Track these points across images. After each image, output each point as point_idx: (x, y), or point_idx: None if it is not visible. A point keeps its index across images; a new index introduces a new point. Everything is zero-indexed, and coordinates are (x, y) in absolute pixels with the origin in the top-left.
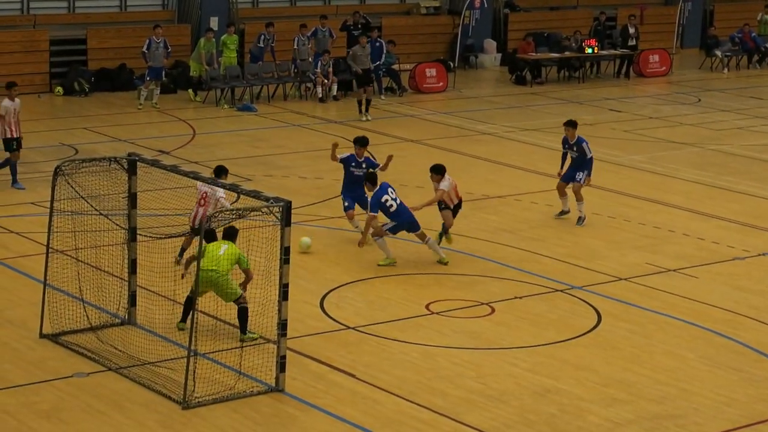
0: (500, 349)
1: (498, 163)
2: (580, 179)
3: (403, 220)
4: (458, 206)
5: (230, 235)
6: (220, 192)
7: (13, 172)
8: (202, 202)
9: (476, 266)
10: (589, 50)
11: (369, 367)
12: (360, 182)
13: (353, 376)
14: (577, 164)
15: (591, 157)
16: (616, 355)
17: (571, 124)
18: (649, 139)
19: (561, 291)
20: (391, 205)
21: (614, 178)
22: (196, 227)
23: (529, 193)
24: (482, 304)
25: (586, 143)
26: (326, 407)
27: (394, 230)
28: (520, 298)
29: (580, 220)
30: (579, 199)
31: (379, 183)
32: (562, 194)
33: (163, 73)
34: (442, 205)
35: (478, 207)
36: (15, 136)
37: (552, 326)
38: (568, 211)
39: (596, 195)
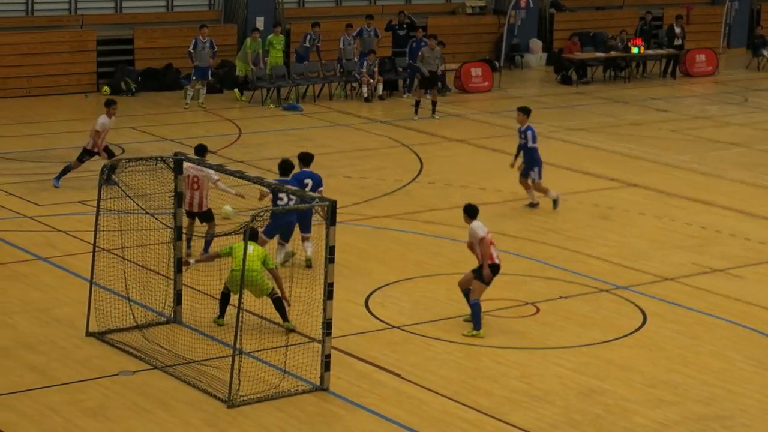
0: (545, 349)
1: (543, 162)
2: (535, 178)
3: (282, 222)
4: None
5: (252, 236)
6: (213, 174)
7: (63, 172)
8: (195, 186)
9: (521, 266)
10: (635, 50)
11: (414, 367)
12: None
13: (398, 375)
14: (526, 154)
15: (534, 148)
16: (661, 356)
17: (524, 111)
18: (696, 139)
19: (606, 291)
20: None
21: (660, 178)
22: (194, 211)
23: (574, 192)
24: (527, 303)
25: (532, 131)
26: (371, 406)
27: (269, 231)
28: (566, 298)
29: (555, 203)
30: (544, 191)
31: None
32: (527, 188)
33: (210, 72)
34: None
35: (523, 207)
36: (94, 150)
37: (597, 326)
38: (537, 204)
39: (642, 195)
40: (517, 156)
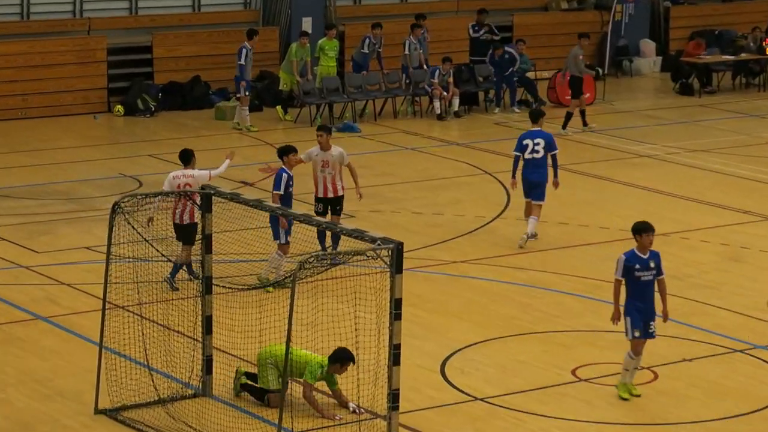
0: (665, 424)
1: (659, 192)
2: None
3: None
4: None
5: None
6: (203, 173)
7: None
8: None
9: None
10: None
11: None
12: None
13: None
14: (535, 169)
15: (555, 154)
16: None
17: (539, 114)
18: None
19: (741, 351)
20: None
21: None
22: (184, 223)
23: (698, 229)
24: (642, 368)
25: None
26: None
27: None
28: (690, 360)
29: (532, 236)
30: (535, 214)
31: None
32: (529, 214)
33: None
34: None
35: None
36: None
37: (730, 396)
38: (535, 235)
39: None
40: (515, 173)
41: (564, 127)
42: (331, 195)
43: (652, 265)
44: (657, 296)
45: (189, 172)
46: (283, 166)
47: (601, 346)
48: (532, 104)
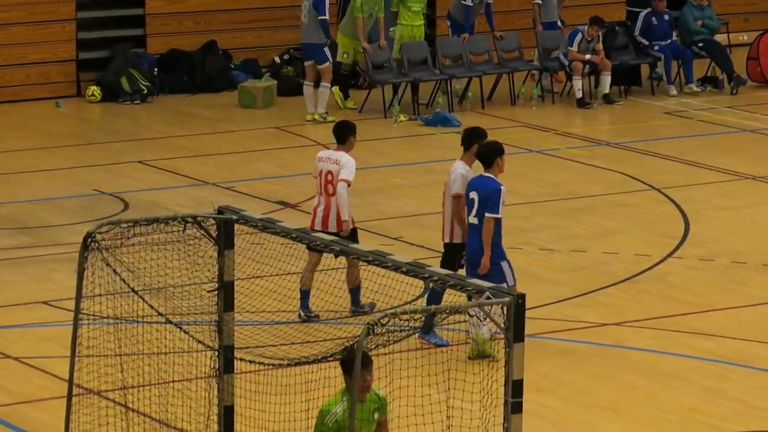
0: None
1: None
2: None
3: None
4: None
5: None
6: (349, 168)
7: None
8: (331, 188)
9: None
10: None
11: None
12: None
13: None
14: None
15: None
16: None
17: None
18: None
19: None
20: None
21: None
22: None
23: None
24: None
25: None
26: None
27: None
28: None
29: None
30: None
31: None
32: None
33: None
34: None
35: None
36: None
37: None
38: None
39: None
40: None
41: None
42: None
43: None
44: None
45: (336, 155)
46: (490, 174)
47: None
48: (720, 82)
